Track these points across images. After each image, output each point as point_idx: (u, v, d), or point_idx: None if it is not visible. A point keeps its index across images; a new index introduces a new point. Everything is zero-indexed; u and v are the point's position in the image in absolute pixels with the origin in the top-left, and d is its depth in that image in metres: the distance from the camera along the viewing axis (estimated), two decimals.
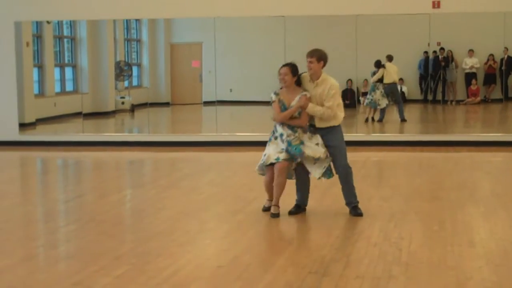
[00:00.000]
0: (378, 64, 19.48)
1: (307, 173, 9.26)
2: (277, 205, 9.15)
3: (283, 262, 7.22)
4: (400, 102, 19.87)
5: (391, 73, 19.44)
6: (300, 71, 9.15)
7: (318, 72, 9.08)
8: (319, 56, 9.05)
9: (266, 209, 9.34)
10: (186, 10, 17.02)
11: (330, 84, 9.04)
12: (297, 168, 9.27)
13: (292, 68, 9.10)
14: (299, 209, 9.38)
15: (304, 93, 9.05)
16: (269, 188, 9.25)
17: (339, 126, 9.23)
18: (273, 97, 9.16)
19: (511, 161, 14.31)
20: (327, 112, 8.99)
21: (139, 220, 9.38)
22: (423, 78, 22.10)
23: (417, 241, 7.86)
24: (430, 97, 21.36)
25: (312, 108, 8.98)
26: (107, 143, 16.92)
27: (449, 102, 22.02)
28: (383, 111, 19.54)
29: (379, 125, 19.23)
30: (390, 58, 19.57)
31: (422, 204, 9.79)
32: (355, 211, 9.16)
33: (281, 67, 9.14)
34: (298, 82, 9.14)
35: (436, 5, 15.98)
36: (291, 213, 9.28)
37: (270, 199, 9.29)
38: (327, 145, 9.09)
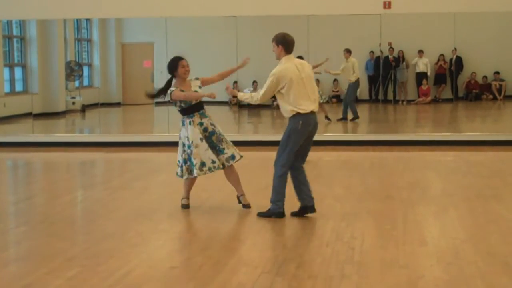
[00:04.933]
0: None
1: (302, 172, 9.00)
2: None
3: (236, 262, 7.21)
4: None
5: (355, 68, 19.14)
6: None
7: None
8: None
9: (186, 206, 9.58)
10: (138, 10, 16.92)
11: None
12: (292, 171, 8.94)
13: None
14: (307, 209, 9.03)
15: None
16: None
17: (294, 117, 8.68)
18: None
19: (461, 160, 14.45)
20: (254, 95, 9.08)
21: (90, 221, 9.31)
22: (370, 78, 22.26)
23: (369, 240, 7.90)
24: (381, 97, 21.55)
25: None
26: (57, 144, 16.73)
27: (400, 102, 22.23)
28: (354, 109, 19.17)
29: (336, 124, 19.12)
30: (349, 52, 19.22)
31: (374, 204, 9.83)
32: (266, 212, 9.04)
33: (182, 59, 9.92)
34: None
35: (387, 5, 16.08)
36: (293, 214, 9.05)
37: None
38: None
